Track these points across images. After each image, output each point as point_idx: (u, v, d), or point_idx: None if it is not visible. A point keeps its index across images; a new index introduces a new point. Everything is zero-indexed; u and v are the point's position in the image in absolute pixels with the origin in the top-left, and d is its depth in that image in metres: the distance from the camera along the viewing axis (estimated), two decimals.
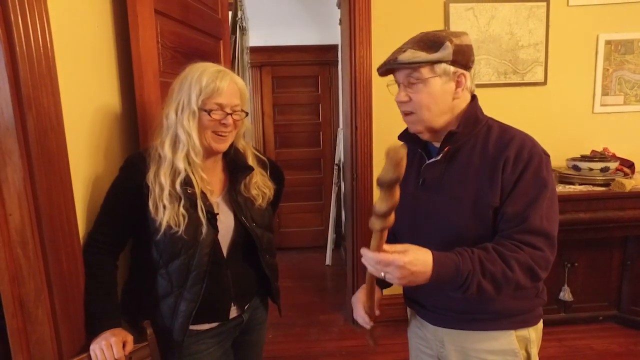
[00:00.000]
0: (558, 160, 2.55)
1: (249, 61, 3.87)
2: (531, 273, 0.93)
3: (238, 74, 3.79)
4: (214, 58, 1.84)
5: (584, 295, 2.54)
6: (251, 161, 1.22)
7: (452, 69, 0.99)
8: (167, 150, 1.06)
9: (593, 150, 2.51)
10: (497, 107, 2.51)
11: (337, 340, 2.57)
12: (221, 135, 1.11)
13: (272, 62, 3.96)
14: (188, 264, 1.07)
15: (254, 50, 3.87)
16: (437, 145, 1.08)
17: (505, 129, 1.05)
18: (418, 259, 0.88)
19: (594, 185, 2.30)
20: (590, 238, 2.38)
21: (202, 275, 1.08)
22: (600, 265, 2.52)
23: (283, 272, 3.65)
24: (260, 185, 1.22)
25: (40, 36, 0.91)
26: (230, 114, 1.10)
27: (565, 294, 2.48)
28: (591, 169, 2.33)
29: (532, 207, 0.95)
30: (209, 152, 1.13)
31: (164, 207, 1.04)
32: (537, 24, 2.49)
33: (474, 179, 1.01)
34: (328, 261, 3.85)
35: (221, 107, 1.08)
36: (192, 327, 1.14)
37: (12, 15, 0.85)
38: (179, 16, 1.54)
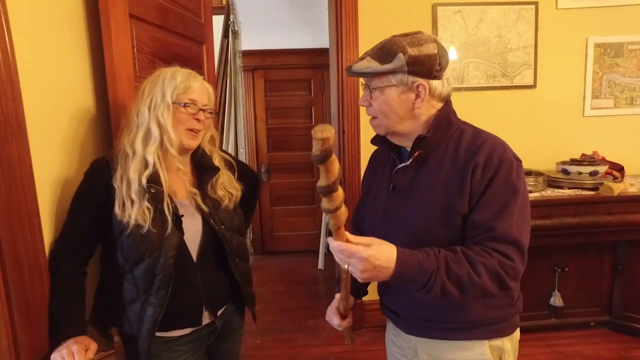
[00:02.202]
0: (547, 163, 2.53)
1: (241, 65, 3.87)
2: (499, 280, 0.91)
3: (230, 78, 3.81)
4: (196, 63, 1.84)
5: (575, 300, 2.51)
6: (217, 162, 1.24)
7: (410, 79, 0.97)
8: (138, 146, 1.08)
9: (583, 154, 2.49)
10: (486, 110, 2.53)
11: (325, 345, 2.55)
12: (194, 132, 1.14)
13: (264, 65, 3.96)
14: (153, 267, 1.06)
15: (246, 53, 3.86)
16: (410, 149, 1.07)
17: (477, 134, 1.03)
18: (381, 253, 0.85)
19: (582, 189, 2.28)
20: (580, 243, 2.36)
21: (167, 278, 1.07)
22: (591, 270, 2.49)
23: (275, 276, 3.68)
24: (226, 186, 1.24)
25: None
26: (203, 111, 1.15)
27: (556, 300, 2.45)
28: (580, 173, 2.31)
29: (502, 214, 0.93)
30: (180, 150, 1.14)
31: (132, 202, 1.05)
32: (526, 26, 2.47)
33: (444, 185, 0.99)
34: (320, 265, 3.82)
35: (194, 102, 1.13)
36: (163, 334, 1.13)
37: None
38: (157, 21, 1.53)
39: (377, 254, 0.85)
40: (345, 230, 0.87)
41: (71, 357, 0.97)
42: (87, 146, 1.27)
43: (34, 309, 1.00)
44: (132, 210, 1.05)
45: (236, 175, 1.30)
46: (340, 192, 0.81)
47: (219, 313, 1.23)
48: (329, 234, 0.89)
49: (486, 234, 0.93)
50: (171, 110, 1.10)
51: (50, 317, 1.04)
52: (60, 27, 1.18)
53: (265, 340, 2.60)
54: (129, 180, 1.06)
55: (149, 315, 1.08)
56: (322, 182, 0.79)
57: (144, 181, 1.06)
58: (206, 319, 1.19)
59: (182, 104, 1.11)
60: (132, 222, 1.04)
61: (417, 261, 0.88)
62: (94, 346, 1.03)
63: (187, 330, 1.17)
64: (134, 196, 1.05)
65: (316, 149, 0.75)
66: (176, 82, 1.11)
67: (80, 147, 1.24)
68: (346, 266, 0.87)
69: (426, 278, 0.87)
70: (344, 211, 0.83)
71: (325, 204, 0.82)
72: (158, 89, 1.10)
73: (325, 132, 0.74)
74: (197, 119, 1.13)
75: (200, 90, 1.15)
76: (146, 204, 1.06)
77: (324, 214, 3.99)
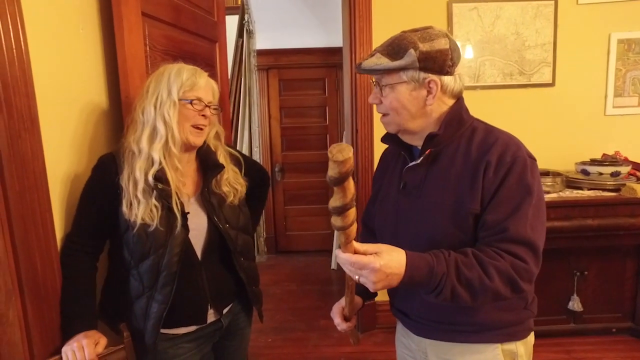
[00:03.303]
0: (566, 164, 2.46)
1: (256, 64, 3.89)
2: (512, 283, 0.88)
3: (244, 77, 3.83)
4: (208, 61, 1.85)
5: (595, 305, 2.43)
6: (222, 158, 1.23)
7: (422, 75, 0.95)
8: (144, 144, 1.07)
9: (604, 154, 2.41)
10: (503, 109, 2.47)
11: (336, 346, 2.53)
12: (199, 129, 1.14)
13: (278, 64, 3.96)
14: (158, 264, 1.07)
15: (261, 53, 3.88)
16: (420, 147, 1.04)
17: (489, 131, 1.01)
18: (392, 260, 0.83)
19: (603, 190, 2.21)
20: (601, 246, 2.28)
21: (172, 276, 1.08)
22: (613, 274, 2.40)
23: (287, 276, 3.68)
24: (231, 182, 1.23)
25: (13, 39, 0.92)
26: (208, 107, 1.14)
27: (575, 304, 2.38)
28: (601, 174, 2.23)
29: (515, 215, 0.90)
30: (185, 147, 1.14)
31: (138, 202, 1.05)
32: (544, 23, 2.41)
33: (455, 184, 0.97)
34: (333, 265, 3.81)
35: (200, 99, 1.12)
36: (168, 331, 1.14)
37: None
38: (169, 19, 1.54)
39: (389, 262, 0.82)
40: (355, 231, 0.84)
41: (81, 350, 0.99)
42: (98, 142, 1.29)
43: (46, 303, 1.02)
44: (139, 210, 1.04)
45: (242, 170, 1.29)
46: (354, 208, 0.77)
47: (224, 311, 1.23)
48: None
49: (499, 234, 0.90)
50: (177, 107, 1.09)
51: (62, 312, 1.05)
52: (75, 25, 1.20)
53: (277, 339, 2.60)
54: (136, 179, 1.06)
55: (154, 312, 1.08)
56: (337, 202, 0.74)
57: (150, 179, 1.06)
58: (211, 317, 1.19)
59: (190, 101, 1.11)
60: (139, 221, 1.04)
61: (427, 264, 0.85)
62: (103, 341, 1.05)
63: (192, 328, 1.17)
64: (140, 195, 1.05)
65: (335, 172, 0.70)
66: (182, 79, 1.10)
67: (91, 144, 1.26)
68: (357, 277, 0.84)
69: (436, 281, 0.85)
70: (354, 227, 0.80)
71: (338, 222, 0.77)
72: (164, 85, 1.10)
73: (345, 153, 0.69)
74: (203, 115, 1.13)
75: (206, 87, 1.14)
76: (153, 202, 1.06)
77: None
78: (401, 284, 0.85)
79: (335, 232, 0.82)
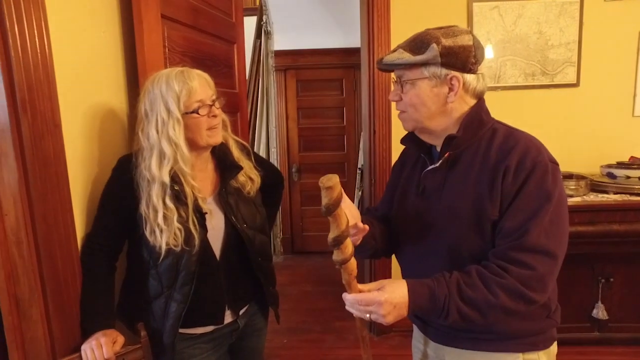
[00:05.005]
0: (591, 167, 2.38)
1: (274, 65, 3.91)
2: (522, 297, 0.87)
3: (262, 78, 3.85)
4: (226, 62, 1.86)
5: (621, 313, 2.34)
6: (234, 151, 1.22)
7: (443, 71, 0.93)
8: (155, 170, 1.05)
9: (632, 157, 2.32)
10: (524, 110, 2.41)
11: (352, 348, 2.51)
12: (215, 129, 1.12)
13: (296, 65, 3.97)
14: (177, 264, 1.07)
15: (279, 53, 3.89)
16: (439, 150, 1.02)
17: (510, 133, 0.98)
18: (395, 291, 0.86)
19: (631, 194, 2.12)
20: (628, 252, 2.19)
21: (191, 275, 1.08)
22: None
23: (304, 276, 3.68)
24: (247, 171, 1.23)
25: (37, 43, 0.94)
26: (212, 105, 1.11)
27: (599, 312, 2.30)
28: (628, 177, 2.15)
29: (532, 222, 0.87)
30: (204, 149, 1.14)
31: (161, 230, 1.04)
32: (569, 21, 2.34)
33: (474, 189, 0.94)
34: None
35: (202, 102, 1.09)
36: (186, 331, 1.15)
37: (7, 23, 0.88)
38: (188, 21, 1.56)
39: (392, 293, 0.86)
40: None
41: (99, 348, 1.01)
42: (118, 144, 1.31)
43: (67, 301, 1.04)
44: (163, 237, 1.04)
45: (252, 156, 1.28)
46: (349, 240, 0.85)
47: (241, 312, 1.23)
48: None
49: (513, 242, 0.88)
50: (181, 123, 1.05)
51: (81, 310, 1.07)
52: (96, 29, 1.23)
53: (292, 340, 2.60)
54: (155, 207, 1.04)
55: (173, 311, 1.09)
56: (334, 232, 0.83)
57: (168, 202, 1.05)
58: (228, 317, 1.20)
59: (195, 111, 1.07)
60: (165, 246, 1.04)
61: (428, 289, 0.88)
62: (121, 339, 1.06)
63: (209, 328, 1.18)
64: (161, 222, 1.03)
65: (327, 198, 0.79)
66: (175, 91, 1.04)
67: (111, 145, 1.28)
68: (367, 315, 0.88)
69: (440, 304, 0.86)
70: (354, 260, 0.87)
71: (340, 255, 0.85)
72: (159, 103, 1.05)
73: (333, 180, 0.80)
74: (213, 116, 1.10)
75: (201, 86, 1.08)
76: (176, 225, 1.04)
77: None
78: (410, 312, 0.88)
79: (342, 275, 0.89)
